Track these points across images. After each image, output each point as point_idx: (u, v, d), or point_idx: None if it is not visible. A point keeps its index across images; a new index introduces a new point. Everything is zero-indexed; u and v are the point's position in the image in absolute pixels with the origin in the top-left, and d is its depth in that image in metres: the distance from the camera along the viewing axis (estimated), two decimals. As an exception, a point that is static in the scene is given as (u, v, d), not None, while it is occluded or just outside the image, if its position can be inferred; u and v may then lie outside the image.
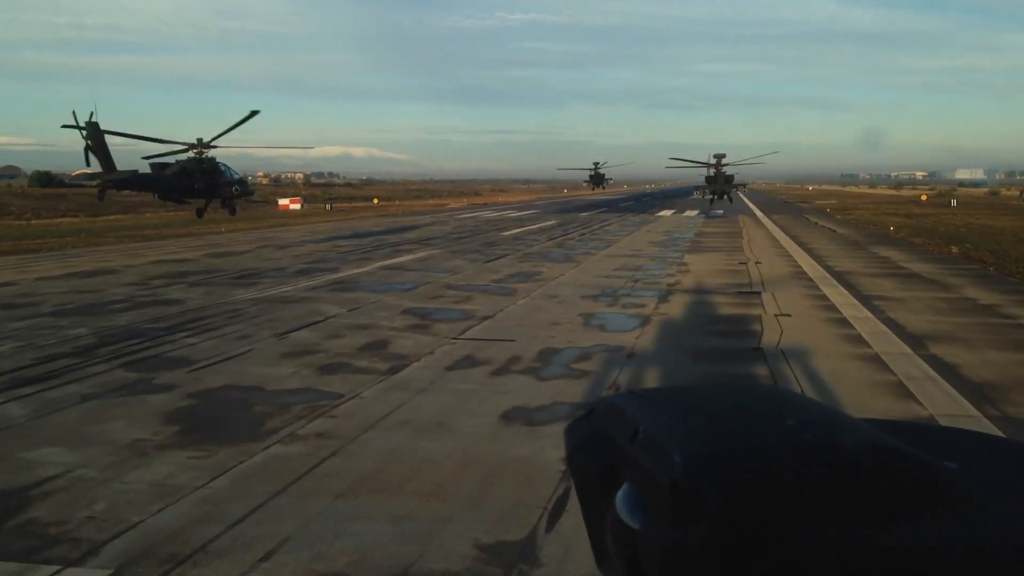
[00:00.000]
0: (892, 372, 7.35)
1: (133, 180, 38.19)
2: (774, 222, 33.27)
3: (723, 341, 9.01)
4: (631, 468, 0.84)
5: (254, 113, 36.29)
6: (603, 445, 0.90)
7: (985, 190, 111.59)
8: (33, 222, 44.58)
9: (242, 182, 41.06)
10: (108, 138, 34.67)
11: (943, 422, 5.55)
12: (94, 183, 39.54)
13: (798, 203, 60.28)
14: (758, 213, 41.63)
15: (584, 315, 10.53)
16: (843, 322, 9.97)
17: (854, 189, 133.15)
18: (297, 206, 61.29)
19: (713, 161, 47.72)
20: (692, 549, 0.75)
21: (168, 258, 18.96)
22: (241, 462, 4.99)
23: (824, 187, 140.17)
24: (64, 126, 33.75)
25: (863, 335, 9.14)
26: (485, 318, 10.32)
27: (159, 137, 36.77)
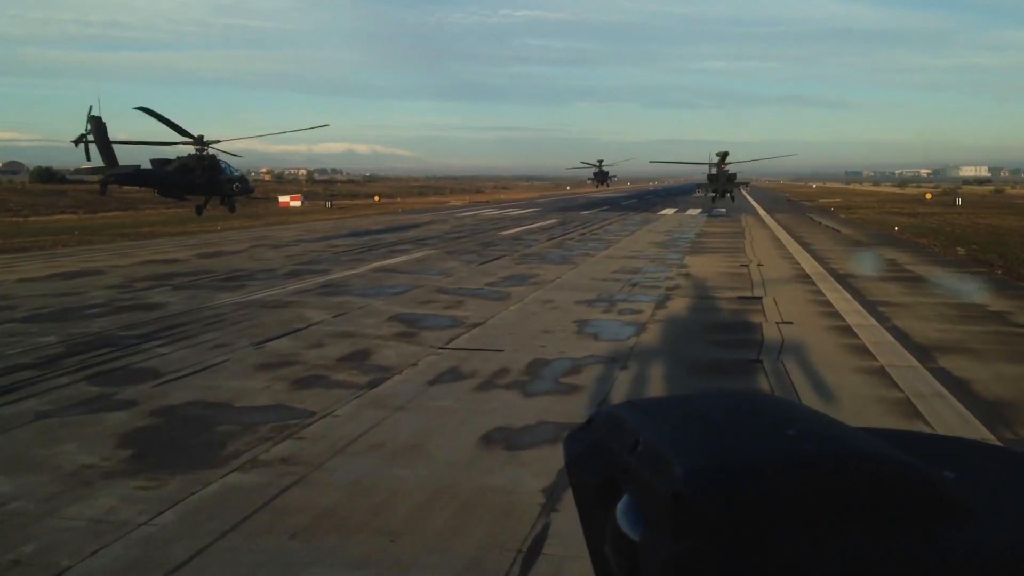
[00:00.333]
0: (899, 388, 6.94)
1: (135, 175, 37.92)
2: (777, 221, 32.82)
3: (721, 352, 8.60)
4: (631, 479, 0.86)
5: (323, 125, 35.87)
6: (603, 456, 0.93)
7: (990, 188, 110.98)
8: (30, 219, 44.27)
9: (242, 179, 40.75)
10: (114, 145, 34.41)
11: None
12: (96, 178, 39.30)
13: (802, 201, 59.83)
14: (761, 212, 41.18)
15: (578, 322, 10.12)
16: (847, 330, 9.56)
17: (858, 187, 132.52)
18: (298, 203, 61.05)
19: (716, 160, 47.27)
20: (693, 560, 0.76)
21: (157, 258, 18.58)
22: (193, 493, 4.59)
23: (828, 185, 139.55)
24: (75, 141, 33.49)
25: (868, 345, 8.73)
26: (475, 325, 9.92)
27: (163, 140, 36.47)
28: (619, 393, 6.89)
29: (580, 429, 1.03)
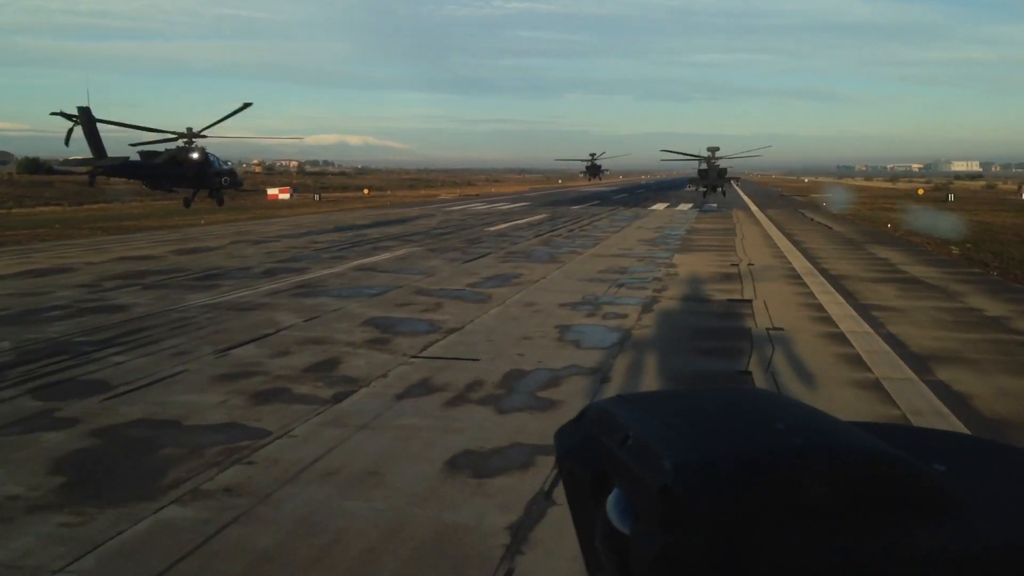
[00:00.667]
0: (896, 405, 6.54)
1: (123, 167, 37.42)
2: (768, 217, 32.47)
3: (708, 362, 8.20)
4: (621, 473, 0.89)
5: (246, 105, 35.46)
6: (593, 450, 0.95)
7: (982, 183, 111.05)
8: (13, 211, 43.59)
9: (231, 173, 40.31)
10: (100, 126, 33.84)
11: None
12: (84, 169, 38.73)
13: (793, 196, 59.54)
14: (752, 207, 40.82)
15: (560, 327, 9.70)
16: (840, 338, 9.17)
17: (850, 181, 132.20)
18: (286, 196, 60.51)
19: (707, 154, 46.87)
20: (682, 554, 0.77)
21: (133, 254, 18.07)
22: (121, 532, 4.15)
23: (820, 179, 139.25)
24: (53, 113, 32.87)
25: (862, 355, 8.33)
26: (452, 331, 9.49)
27: (150, 126, 35.92)
28: (599, 409, 6.47)
29: (571, 423, 1.05)
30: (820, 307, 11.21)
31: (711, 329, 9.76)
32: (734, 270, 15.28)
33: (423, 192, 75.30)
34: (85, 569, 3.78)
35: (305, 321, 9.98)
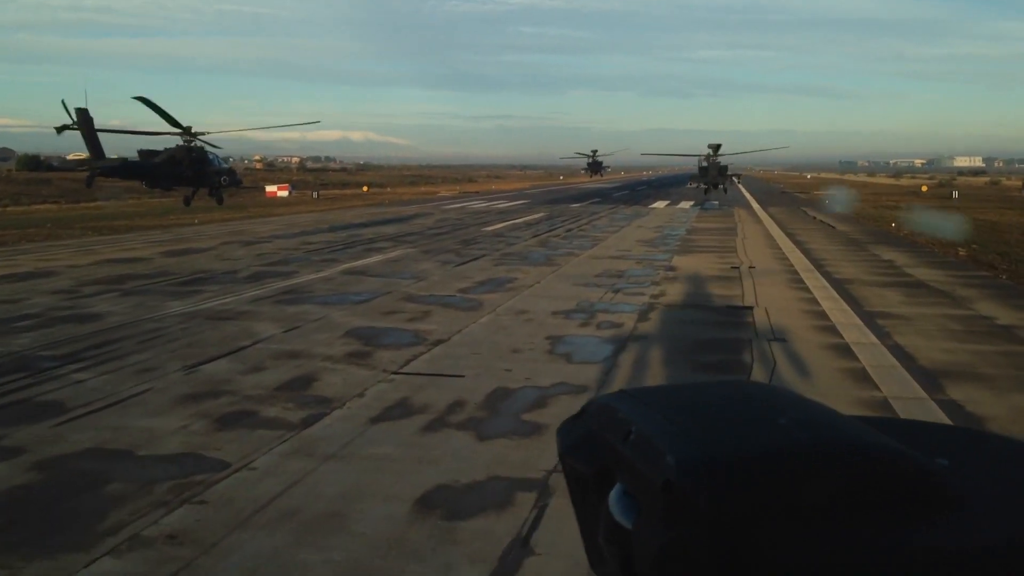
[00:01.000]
0: (906, 430, 6.09)
1: (121, 168, 37.06)
2: (770, 215, 32.00)
3: (706, 377, 7.73)
4: (624, 468, 0.89)
5: (315, 122, 34.85)
6: (596, 445, 0.95)
7: (985, 179, 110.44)
8: (8, 209, 43.22)
9: (231, 172, 39.95)
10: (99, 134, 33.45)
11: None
12: (83, 169, 38.32)
13: (796, 193, 59.01)
14: (754, 205, 40.33)
15: (551, 338, 9.26)
16: (845, 350, 8.72)
17: (853, 177, 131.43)
18: (285, 193, 60.16)
19: (709, 152, 46.37)
20: (685, 550, 0.78)
21: (120, 256, 17.63)
22: (43, 591, 3.72)
23: (823, 175, 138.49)
24: (59, 128, 32.41)
25: (868, 369, 7.88)
26: (438, 342, 9.05)
27: (150, 130, 35.51)
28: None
29: (573, 419, 1.05)
30: (824, 314, 10.75)
31: (710, 340, 9.30)
32: (735, 273, 14.82)
33: (423, 189, 74.83)
34: (-7, 641, 3.35)
35: (285, 332, 9.53)
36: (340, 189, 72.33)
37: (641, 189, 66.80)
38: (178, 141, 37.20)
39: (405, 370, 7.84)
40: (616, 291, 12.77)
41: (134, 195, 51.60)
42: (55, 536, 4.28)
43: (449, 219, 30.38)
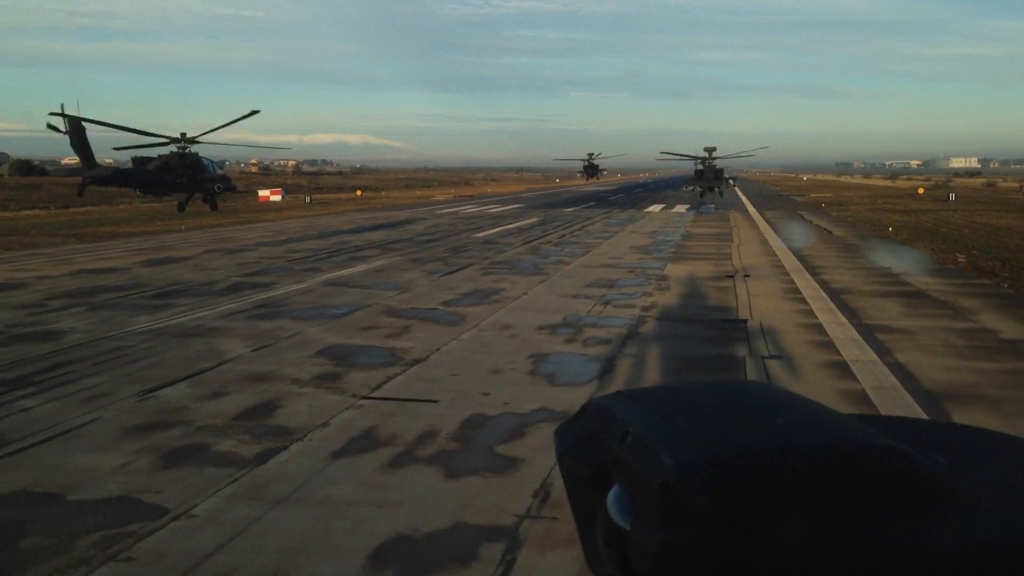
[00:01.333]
0: (910, 464, 5.62)
1: (114, 176, 36.47)
2: (766, 220, 31.56)
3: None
4: (621, 469, 0.90)
5: (253, 112, 34.45)
6: (593, 447, 0.97)
7: (982, 181, 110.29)
8: (-4, 215, 42.66)
9: (224, 178, 39.38)
10: (90, 127, 32.86)
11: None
12: (74, 179, 37.71)
13: (792, 195, 58.65)
14: (750, 209, 39.92)
15: (535, 357, 8.78)
16: (843, 368, 8.25)
17: (848, 179, 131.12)
18: (277, 197, 59.79)
19: (704, 154, 45.98)
20: (682, 550, 0.78)
21: (95, 267, 17.11)
22: None
23: (819, 177, 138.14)
24: (50, 126, 31.88)
25: (868, 391, 7.42)
26: (415, 362, 8.57)
27: (143, 129, 34.97)
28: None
29: (571, 420, 1.08)
30: (820, 328, 10.28)
31: (701, 358, 8.82)
32: (729, 283, 14.35)
33: (418, 192, 74.37)
34: None
35: (254, 351, 9.04)
36: (334, 193, 71.90)
37: (637, 192, 66.40)
38: (172, 148, 36.63)
39: (376, 394, 7.35)
40: (606, 303, 12.29)
41: (127, 200, 51.11)
42: (-44, 604, 3.80)
43: (441, 224, 29.91)
